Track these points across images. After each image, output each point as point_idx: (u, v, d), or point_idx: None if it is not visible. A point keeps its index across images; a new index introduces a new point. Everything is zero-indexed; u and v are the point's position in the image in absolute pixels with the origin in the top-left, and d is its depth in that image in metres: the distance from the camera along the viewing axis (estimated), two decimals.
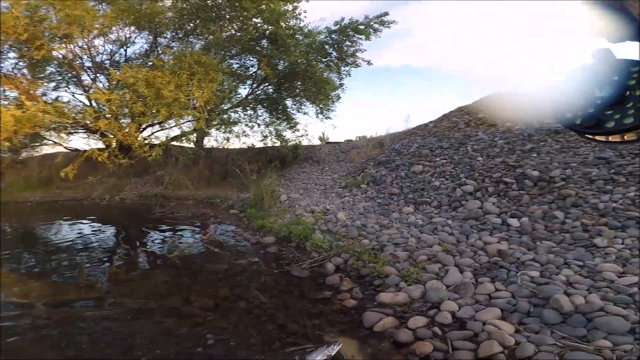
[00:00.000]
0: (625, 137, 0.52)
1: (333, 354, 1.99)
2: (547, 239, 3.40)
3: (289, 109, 10.05)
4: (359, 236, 4.08)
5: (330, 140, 12.09)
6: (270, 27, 8.68)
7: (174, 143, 9.09)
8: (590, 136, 0.52)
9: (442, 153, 6.17)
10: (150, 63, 8.55)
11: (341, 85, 9.98)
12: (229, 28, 9.45)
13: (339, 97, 10.02)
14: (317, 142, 11.72)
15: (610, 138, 0.55)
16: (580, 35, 0.55)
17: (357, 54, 9.59)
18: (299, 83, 9.38)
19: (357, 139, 11.68)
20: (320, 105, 9.59)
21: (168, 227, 6.03)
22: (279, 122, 10.00)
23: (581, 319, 2.12)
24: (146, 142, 8.18)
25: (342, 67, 9.80)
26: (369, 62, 9.84)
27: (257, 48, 9.22)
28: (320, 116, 9.88)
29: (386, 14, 9.02)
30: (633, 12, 0.48)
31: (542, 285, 2.53)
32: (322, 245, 3.95)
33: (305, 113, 10.31)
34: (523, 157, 5.11)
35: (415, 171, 5.82)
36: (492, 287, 2.67)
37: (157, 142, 8.38)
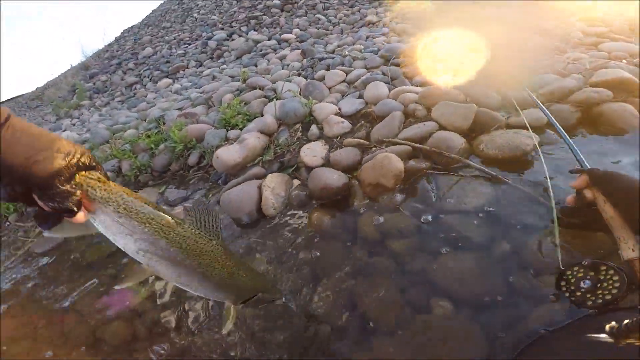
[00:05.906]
0: None
1: None
2: (316, 26, 3.48)
3: None
4: (117, 133, 2.53)
5: None
6: None
7: None
8: None
9: (172, 27, 5.34)
10: None
11: None
12: None
13: None
14: None
15: None
16: None
17: None
18: None
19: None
20: None
21: None
22: None
23: None
24: None
25: None
26: None
27: None
28: None
29: None
30: None
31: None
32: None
33: None
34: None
35: (146, 55, 4.99)
36: (342, 72, 1.88)
37: None
